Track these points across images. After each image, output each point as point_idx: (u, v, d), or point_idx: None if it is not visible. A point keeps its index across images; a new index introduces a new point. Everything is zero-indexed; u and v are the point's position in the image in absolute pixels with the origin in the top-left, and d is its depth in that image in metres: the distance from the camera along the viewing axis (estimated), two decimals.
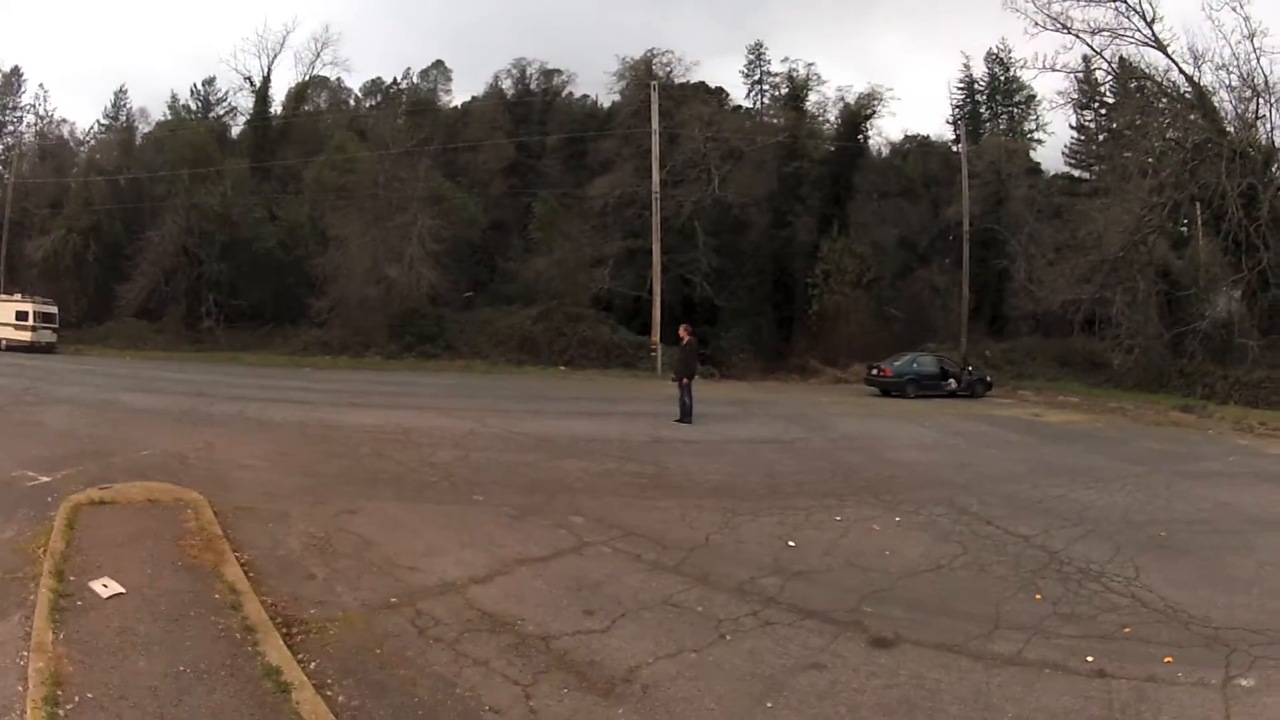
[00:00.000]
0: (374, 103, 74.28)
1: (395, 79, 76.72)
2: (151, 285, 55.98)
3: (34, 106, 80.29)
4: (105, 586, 9.67)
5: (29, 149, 76.69)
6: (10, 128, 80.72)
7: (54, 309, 54.10)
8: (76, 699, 7.02)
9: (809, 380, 44.90)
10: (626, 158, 51.57)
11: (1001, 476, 17.03)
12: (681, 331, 25.54)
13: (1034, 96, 61.55)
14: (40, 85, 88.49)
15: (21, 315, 52.30)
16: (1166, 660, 7.67)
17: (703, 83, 58.96)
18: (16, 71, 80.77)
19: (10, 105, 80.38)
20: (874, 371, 38.31)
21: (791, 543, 11.73)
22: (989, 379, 38.98)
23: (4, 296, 54.77)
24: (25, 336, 51.74)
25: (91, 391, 30.27)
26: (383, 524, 12.78)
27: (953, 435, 23.35)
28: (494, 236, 56.51)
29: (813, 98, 58.21)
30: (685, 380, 23.82)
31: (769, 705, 6.99)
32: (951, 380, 37.53)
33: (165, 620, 8.65)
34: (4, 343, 51.34)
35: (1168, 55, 40.43)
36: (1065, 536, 11.77)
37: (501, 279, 55.38)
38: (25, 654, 8.03)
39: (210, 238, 54.68)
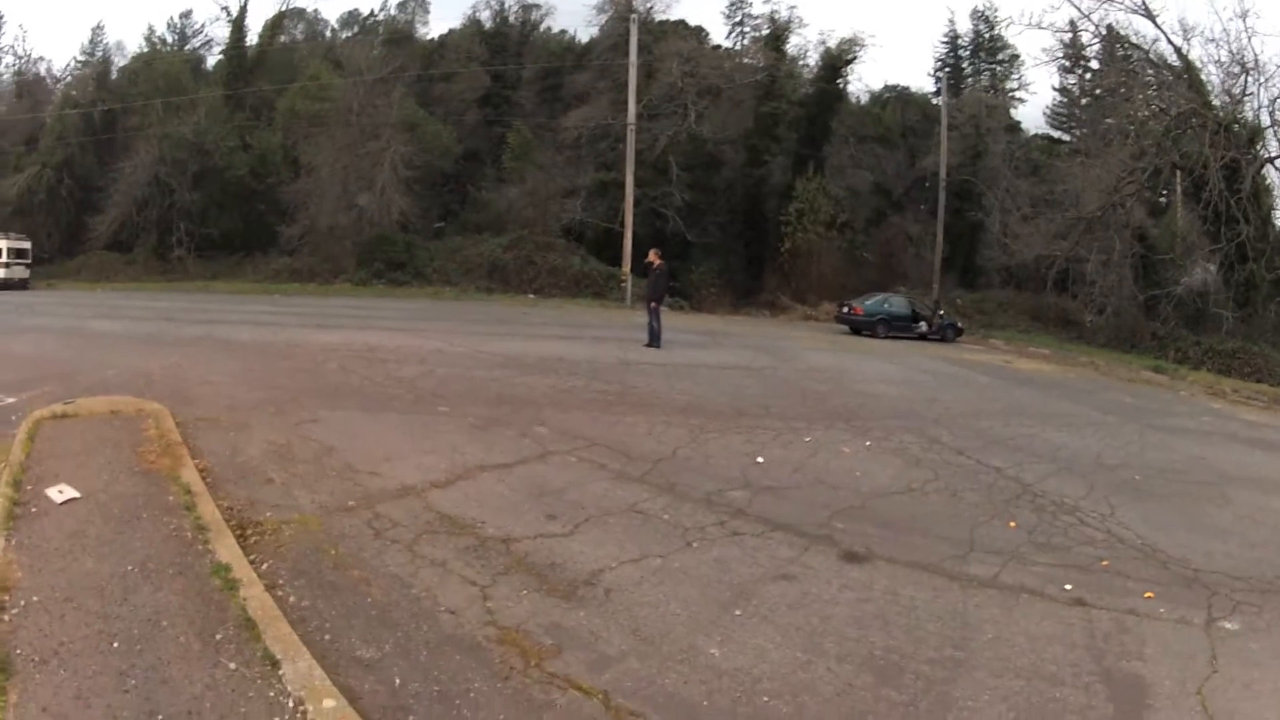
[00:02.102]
0: (351, 34, 74.06)
1: (372, 11, 76.41)
2: (123, 217, 55.60)
3: (12, 47, 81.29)
4: (60, 493, 9.54)
5: (5, 88, 76.89)
6: None
7: (27, 244, 53.71)
8: (22, 603, 7.02)
9: (778, 316, 44.87)
10: (602, 91, 51.39)
11: (972, 413, 16.94)
12: (652, 255, 25.17)
13: (1017, 56, 61.64)
14: (20, 26, 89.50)
15: None
16: (1147, 596, 7.67)
17: (683, 20, 59.09)
18: None
19: None
20: (845, 310, 38.21)
21: (760, 459, 11.60)
22: (960, 325, 38.86)
23: None
24: (0, 274, 51.41)
25: (59, 321, 30.14)
26: (344, 432, 12.71)
27: (922, 373, 23.29)
28: (467, 166, 56.13)
29: (794, 40, 57.72)
30: (654, 304, 23.70)
31: (737, 613, 6.99)
32: (923, 323, 37.28)
33: (117, 523, 8.66)
34: None
35: (1157, 25, 40.44)
36: (1038, 471, 11.69)
37: (473, 208, 55.10)
38: None
39: (182, 167, 54.30)
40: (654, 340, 23.14)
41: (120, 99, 60.90)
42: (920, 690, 5.82)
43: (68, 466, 10.64)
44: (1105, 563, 8.37)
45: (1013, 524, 9.24)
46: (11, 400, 15.27)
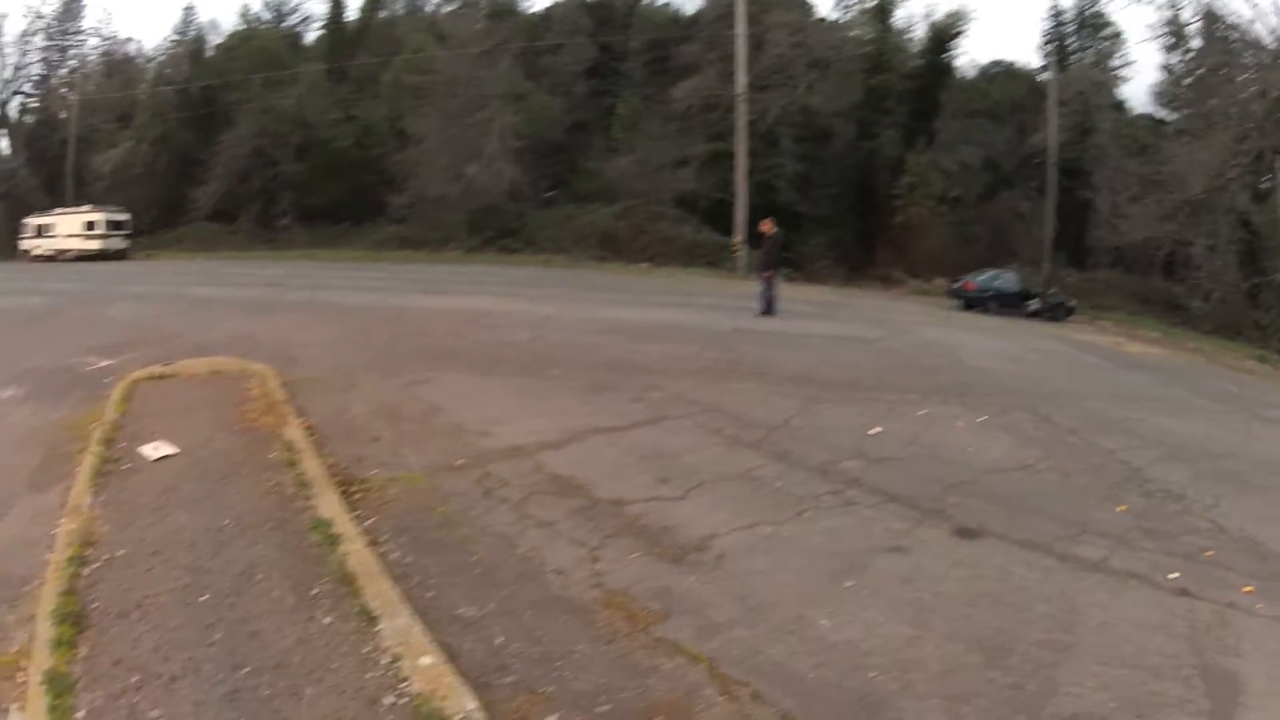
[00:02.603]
0: (452, 8, 74.28)
1: None
2: (225, 188, 56.90)
3: (98, 29, 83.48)
4: (155, 449, 9.78)
5: (94, 68, 78.53)
6: (74, 50, 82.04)
7: (125, 216, 54.89)
8: (105, 558, 7.15)
9: (891, 290, 44.03)
10: (711, 62, 50.52)
11: (1082, 394, 16.59)
12: (765, 224, 24.99)
13: (1120, 33, 60.17)
14: (104, 9, 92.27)
15: (89, 225, 53.26)
16: (1246, 590, 7.41)
17: None
18: None
19: (71, 30, 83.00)
20: (957, 285, 37.86)
21: (873, 431, 11.46)
22: (1071, 305, 37.99)
23: (73, 210, 55.89)
24: (94, 245, 52.71)
25: (159, 288, 30.49)
26: (453, 393, 12.85)
27: (1033, 351, 22.87)
28: (576, 137, 55.87)
29: (899, 13, 57.36)
30: (768, 273, 23.56)
31: (848, 584, 6.90)
32: (1034, 301, 36.74)
33: (214, 479, 8.84)
34: (72, 253, 52.34)
35: (1254, 6, 39.30)
36: (1146, 456, 11.41)
37: (583, 178, 54.39)
38: (60, 523, 8.18)
39: (284, 139, 55.27)
40: (768, 309, 23.07)
41: (217, 75, 61.90)
42: (1027, 673, 5.73)
43: (165, 425, 10.84)
44: (1209, 553, 8.14)
45: (1121, 508, 9.06)
46: (107, 363, 15.63)
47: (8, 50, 79.56)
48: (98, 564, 7.05)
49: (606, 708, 5.28)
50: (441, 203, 50.75)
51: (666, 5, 64.87)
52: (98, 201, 56.12)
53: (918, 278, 45.30)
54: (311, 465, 9.04)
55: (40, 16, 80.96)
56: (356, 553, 6.95)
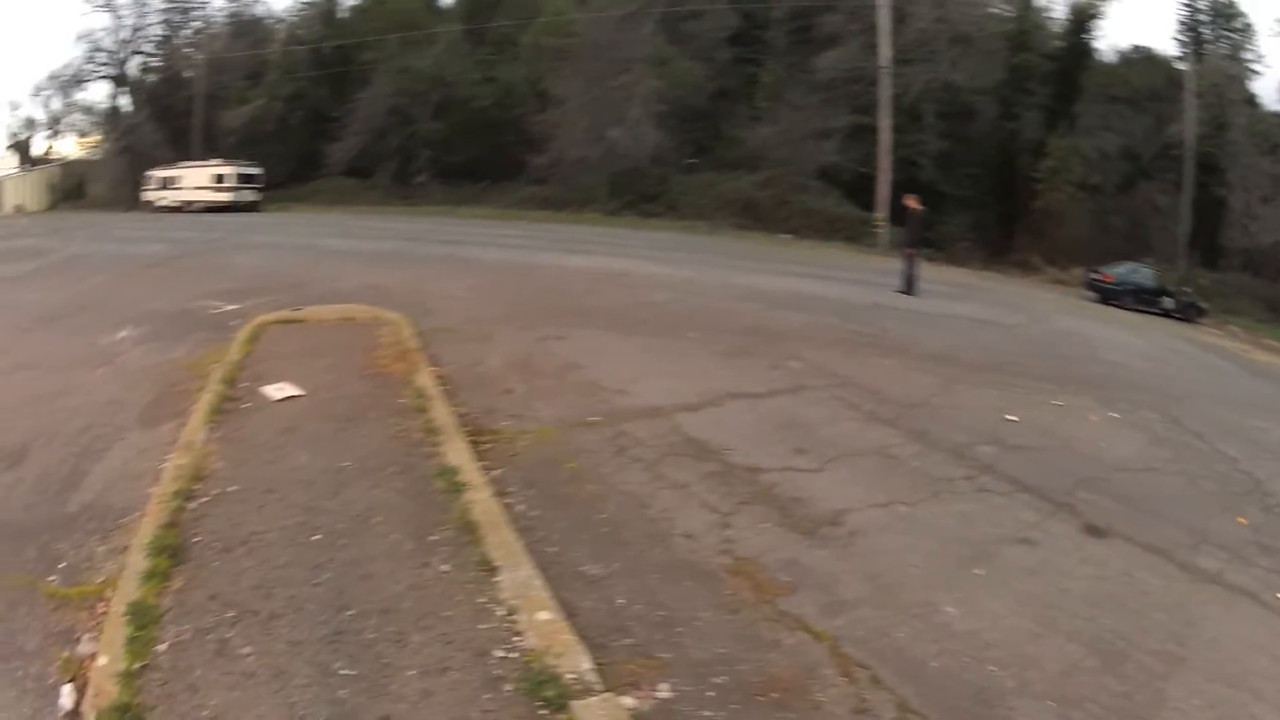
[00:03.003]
0: None
1: None
2: (361, 144, 57.80)
3: None
4: (279, 390, 10.21)
5: (221, 29, 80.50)
6: (196, 12, 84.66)
7: (257, 170, 56.21)
8: (215, 492, 7.39)
9: (1029, 276, 43.38)
10: (854, 33, 49.46)
11: (1211, 398, 16.41)
12: (909, 200, 24.93)
13: (1250, 25, 57.92)
14: None
15: (219, 179, 54.76)
16: None
17: None
18: None
19: None
20: (1095, 276, 37.20)
21: (1010, 417, 11.51)
22: (1203, 306, 37.08)
23: (201, 164, 57.35)
24: (224, 198, 54.23)
25: (291, 238, 31.05)
26: (590, 350, 13.13)
27: (1166, 350, 22.64)
28: (718, 104, 55.07)
29: None
30: (910, 250, 23.55)
31: (976, 572, 6.93)
32: (1168, 298, 35.97)
33: (339, 421, 9.18)
34: (200, 204, 53.83)
35: None
36: (1269, 469, 11.22)
37: (726, 145, 53.47)
38: (169, 458, 8.49)
39: (423, 98, 56.01)
40: (909, 287, 23.14)
41: (351, 35, 62.80)
42: (1139, 683, 5.73)
43: (291, 367, 11.29)
44: None
45: (1242, 520, 9.01)
46: (233, 307, 16.32)
47: (124, 12, 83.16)
48: (205, 499, 7.28)
49: (722, 679, 5.32)
50: (582, 165, 50.48)
51: None
52: (227, 156, 57.40)
53: (1055, 265, 44.36)
54: (441, 413, 9.24)
55: None
56: (481, 502, 7.03)
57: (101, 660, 5.36)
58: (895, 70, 44.75)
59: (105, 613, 6.01)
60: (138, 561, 6.32)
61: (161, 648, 5.36)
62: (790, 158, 47.46)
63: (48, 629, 6.04)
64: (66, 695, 5.31)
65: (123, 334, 15.07)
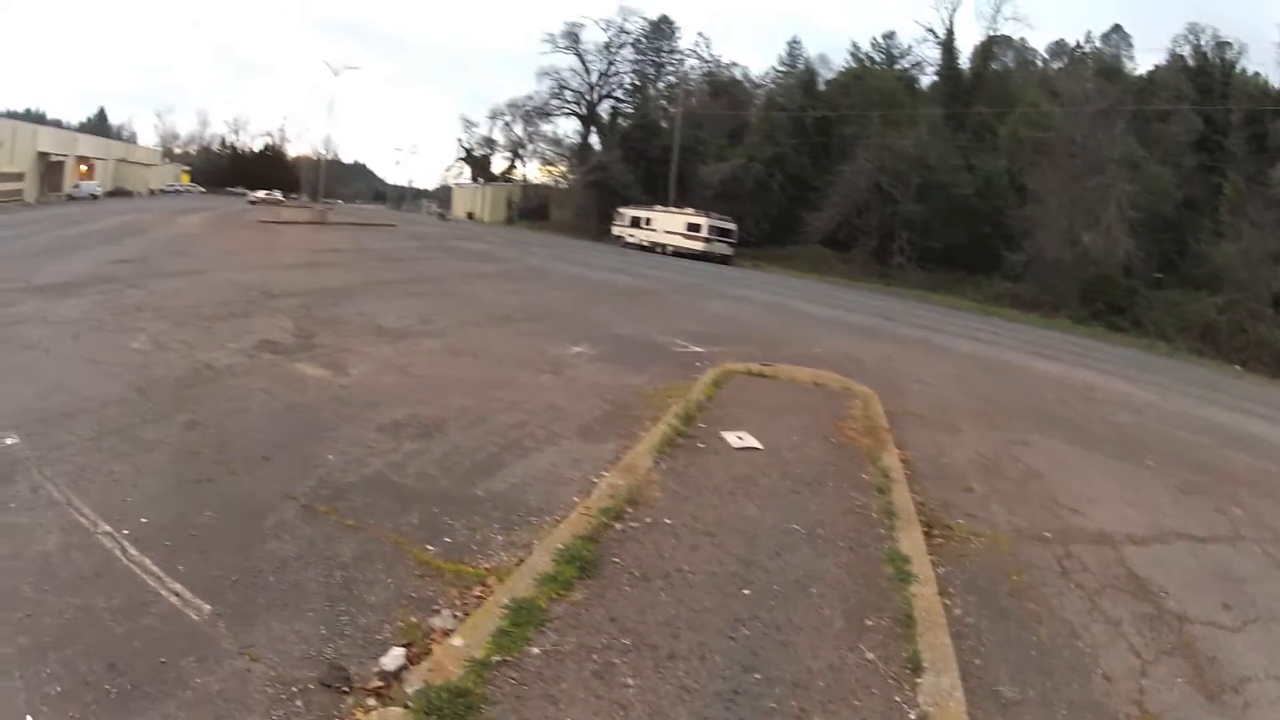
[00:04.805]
0: (1060, 65, 75.87)
1: (1078, 41, 78.24)
2: (840, 217, 60.55)
3: (695, 51, 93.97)
4: (740, 439, 10.53)
5: (697, 86, 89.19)
6: (671, 68, 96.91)
7: (731, 225, 59.22)
8: (647, 520, 7.75)
9: None
10: None
11: None
12: None
13: None
14: (698, 33, 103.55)
15: (693, 227, 58.02)
16: None
17: None
18: (666, 20, 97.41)
19: (667, 49, 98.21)
20: None
21: None
22: None
23: (675, 209, 60.37)
24: (695, 246, 57.64)
25: (764, 295, 32.33)
26: (1053, 461, 13.02)
27: None
28: (1184, 214, 53.54)
29: None
30: None
31: None
32: None
33: (796, 482, 9.41)
34: (670, 248, 56.65)
35: None
36: None
37: (1191, 261, 52.20)
38: (604, 474, 9.05)
39: (904, 178, 57.74)
40: None
41: (831, 108, 64.40)
42: None
43: (753, 419, 11.95)
44: None
45: None
46: (699, 349, 17.56)
47: (590, 57, 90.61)
48: (635, 524, 7.59)
49: None
50: (1056, 267, 50.31)
51: (1257, 76, 61.75)
52: (701, 206, 60.05)
53: None
54: (902, 497, 9.27)
55: (625, 33, 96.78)
56: (925, 597, 6.88)
57: (456, 641, 5.61)
58: None
59: (481, 597, 6.36)
60: (541, 562, 6.71)
61: (534, 650, 5.54)
62: (1249, 281, 45.14)
63: (401, 590, 6.48)
64: (394, 656, 5.52)
65: (578, 349, 16.54)
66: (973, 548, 8.65)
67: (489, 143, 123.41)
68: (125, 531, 6.85)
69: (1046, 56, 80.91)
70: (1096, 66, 66.77)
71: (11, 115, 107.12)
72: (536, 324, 19.48)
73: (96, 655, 5.20)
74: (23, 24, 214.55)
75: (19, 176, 71.72)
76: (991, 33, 73.15)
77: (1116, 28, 75.28)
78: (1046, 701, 6.04)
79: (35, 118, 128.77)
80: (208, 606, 5.89)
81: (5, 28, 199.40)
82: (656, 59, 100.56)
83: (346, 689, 5.17)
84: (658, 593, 6.39)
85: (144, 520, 7.11)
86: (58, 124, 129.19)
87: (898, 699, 5.44)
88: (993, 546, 8.78)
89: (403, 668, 5.34)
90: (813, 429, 11.85)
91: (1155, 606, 8.04)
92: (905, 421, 13.57)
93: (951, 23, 73.43)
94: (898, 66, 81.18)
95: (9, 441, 8.77)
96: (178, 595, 5.98)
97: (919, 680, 5.66)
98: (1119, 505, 11.15)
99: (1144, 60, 77.26)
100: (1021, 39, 77.93)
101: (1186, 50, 63.50)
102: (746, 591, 6.57)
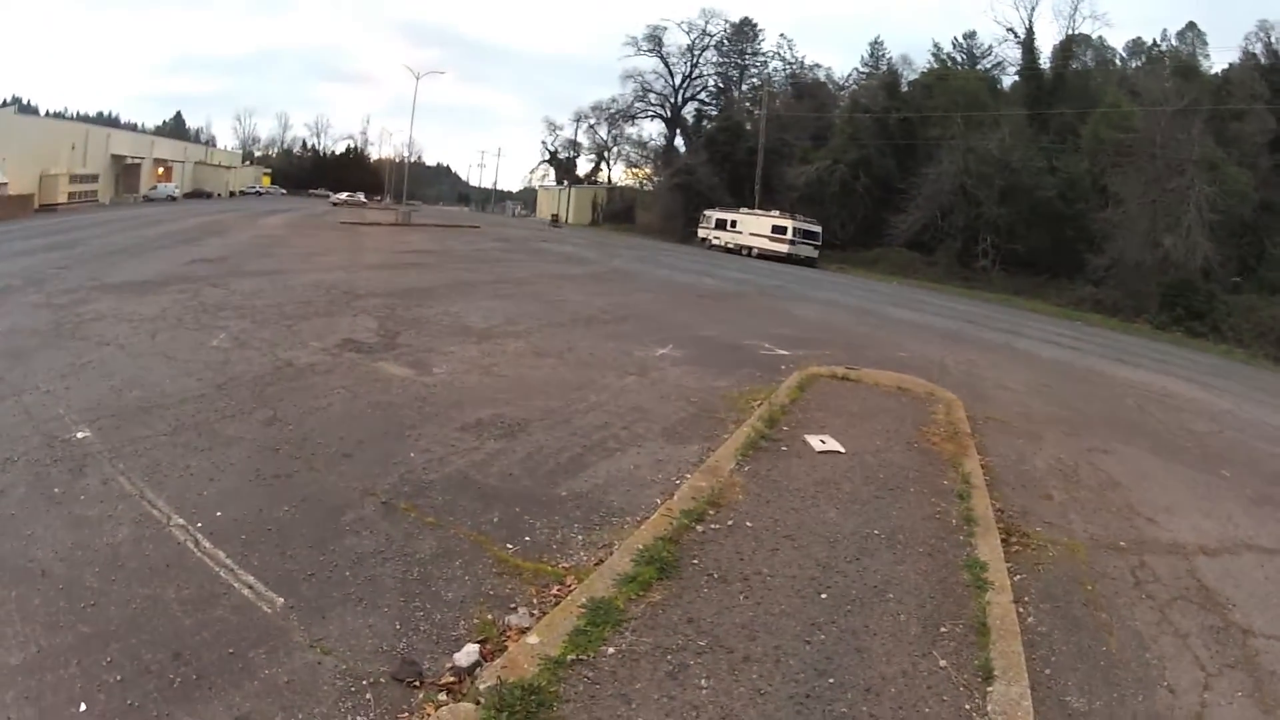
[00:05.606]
0: (1138, 63, 75.64)
1: (1154, 40, 78.20)
2: (925, 220, 60.58)
3: (778, 52, 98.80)
4: (823, 442, 10.80)
5: (781, 87, 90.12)
6: (754, 70, 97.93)
7: (816, 228, 59.28)
8: (729, 523, 7.88)
9: None
10: None
11: None
12: None
13: None
14: (781, 35, 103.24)
15: (778, 229, 58.30)
16: None
17: None
18: (748, 22, 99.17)
19: (750, 51, 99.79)
20: None
21: None
22: None
23: (760, 212, 60.48)
24: (781, 248, 57.89)
25: (851, 299, 32.51)
26: (1132, 470, 13.06)
27: None
28: (1262, 217, 52.93)
29: None
30: None
31: None
32: None
33: (878, 487, 9.59)
34: (755, 251, 57.02)
35: None
36: None
37: (1269, 265, 51.60)
38: (686, 476, 9.26)
39: (988, 181, 57.51)
40: None
41: (914, 109, 64.19)
42: None
43: (836, 423, 12.21)
44: None
45: None
46: (784, 352, 17.82)
47: (673, 60, 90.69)
48: (717, 526, 7.73)
49: None
50: (1137, 270, 50.05)
51: None
52: (787, 209, 60.06)
53: None
54: (982, 504, 9.43)
55: (708, 35, 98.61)
56: (1000, 605, 6.99)
57: (532, 639, 5.75)
58: None
59: (559, 596, 6.51)
60: (621, 563, 6.86)
61: (609, 650, 5.69)
62: None
63: (479, 588, 6.67)
64: (468, 653, 5.72)
65: (663, 351, 16.83)
66: (1049, 556, 8.78)
67: (573, 145, 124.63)
68: (199, 525, 7.35)
69: (1124, 55, 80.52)
70: (1174, 65, 66.46)
71: (83, 119, 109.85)
72: (622, 326, 20.06)
73: (162, 645, 5.60)
74: (97, 28, 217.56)
75: (93, 178, 74.29)
76: (1070, 31, 72.88)
77: (1191, 25, 74.98)
78: (1112, 713, 6.20)
79: (109, 121, 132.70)
80: (280, 599, 6.29)
81: (79, 33, 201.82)
82: (740, 61, 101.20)
83: (418, 684, 5.44)
84: (736, 595, 6.58)
85: (219, 514, 7.60)
86: (132, 128, 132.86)
87: (967, 707, 5.58)
88: (1069, 555, 8.92)
89: (476, 664, 5.60)
90: (895, 433, 12.07)
91: (1223, 620, 8.07)
92: (987, 427, 13.82)
93: (1031, 22, 73.73)
94: (979, 66, 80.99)
95: (80, 435, 9.40)
96: (250, 588, 6.40)
97: (989, 689, 5.81)
98: (1193, 516, 11.20)
99: (1219, 58, 75.30)
100: (1100, 37, 77.51)
101: (1259, 48, 63.05)
102: (824, 596, 6.79)
